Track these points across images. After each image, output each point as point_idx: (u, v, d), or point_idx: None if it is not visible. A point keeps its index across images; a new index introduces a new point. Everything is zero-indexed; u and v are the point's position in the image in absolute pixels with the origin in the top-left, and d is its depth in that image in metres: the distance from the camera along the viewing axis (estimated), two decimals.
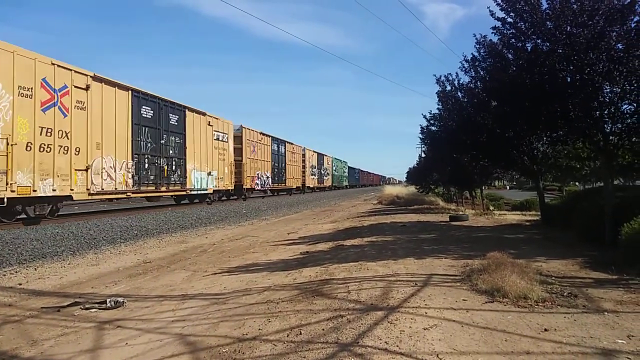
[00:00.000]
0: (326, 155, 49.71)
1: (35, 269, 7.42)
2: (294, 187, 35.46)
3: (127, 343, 3.68)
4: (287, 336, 3.52)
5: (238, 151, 23.73)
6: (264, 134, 27.95)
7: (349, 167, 67.02)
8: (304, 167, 38.55)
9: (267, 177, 28.27)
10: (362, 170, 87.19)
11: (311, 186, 41.23)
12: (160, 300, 5.13)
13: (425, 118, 17.23)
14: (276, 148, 30.82)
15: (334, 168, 53.74)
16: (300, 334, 3.55)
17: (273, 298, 4.78)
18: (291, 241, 10.13)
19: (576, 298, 4.26)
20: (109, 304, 4.86)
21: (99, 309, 4.80)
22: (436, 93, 14.59)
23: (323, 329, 3.61)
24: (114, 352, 3.52)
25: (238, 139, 23.85)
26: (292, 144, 35.48)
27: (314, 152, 43.87)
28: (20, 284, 6.35)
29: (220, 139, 21.11)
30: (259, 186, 26.80)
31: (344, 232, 11.57)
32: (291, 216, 18.39)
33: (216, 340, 3.56)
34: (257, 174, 26.28)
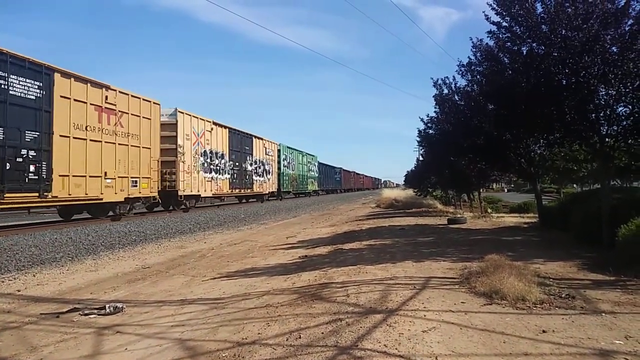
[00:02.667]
0: (263, 139, 28.37)
1: (34, 275, 7.40)
2: (121, 199, 14.56)
3: (126, 348, 3.68)
4: (287, 340, 3.53)
5: None
6: None
7: (320, 163, 46.90)
8: (179, 153, 18.10)
9: None
10: (345, 170, 65.37)
11: (207, 194, 20.95)
12: (159, 306, 5.13)
13: (423, 121, 17.29)
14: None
15: (284, 163, 33.60)
16: (300, 337, 3.56)
17: (272, 302, 4.79)
18: (290, 245, 10.13)
19: (574, 299, 4.29)
20: (108, 310, 4.86)
21: (98, 314, 4.79)
22: (433, 96, 14.69)
23: (322, 333, 3.62)
24: (113, 358, 3.52)
25: None
26: (105, 87, 13.43)
27: (221, 126, 22.03)
28: (19, 291, 6.33)
29: None
30: None
31: (342, 235, 11.58)
32: (290, 220, 18.39)
33: (216, 344, 3.57)
34: None
